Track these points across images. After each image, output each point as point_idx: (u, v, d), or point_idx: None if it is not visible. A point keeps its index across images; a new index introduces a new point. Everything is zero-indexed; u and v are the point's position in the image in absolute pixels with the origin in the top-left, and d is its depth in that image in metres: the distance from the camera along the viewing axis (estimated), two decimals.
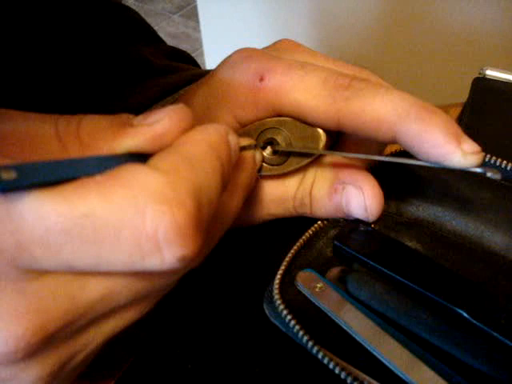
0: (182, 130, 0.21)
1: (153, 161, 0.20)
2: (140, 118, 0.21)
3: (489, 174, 0.23)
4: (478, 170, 0.24)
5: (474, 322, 0.24)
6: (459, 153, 0.24)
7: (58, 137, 0.20)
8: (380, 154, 0.31)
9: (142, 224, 0.18)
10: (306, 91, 0.26)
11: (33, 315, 0.18)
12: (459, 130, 0.24)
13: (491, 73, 0.40)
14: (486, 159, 0.32)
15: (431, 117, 0.24)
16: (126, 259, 0.18)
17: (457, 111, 0.40)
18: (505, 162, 0.31)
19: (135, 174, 0.18)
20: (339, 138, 0.31)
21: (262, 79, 0.27)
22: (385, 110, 0.25)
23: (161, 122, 0.21)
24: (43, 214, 0.17)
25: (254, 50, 0.29)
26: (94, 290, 0.19)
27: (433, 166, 0.25)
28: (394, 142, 0.26)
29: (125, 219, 0.17)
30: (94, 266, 0.18)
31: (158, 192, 0.18)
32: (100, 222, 0.17)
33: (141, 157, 0.20)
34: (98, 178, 0.18)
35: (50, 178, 0.17)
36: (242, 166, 0.26)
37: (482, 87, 0.40)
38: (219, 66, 0.30)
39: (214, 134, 0.22)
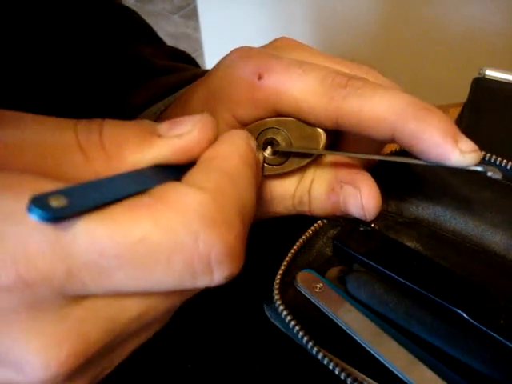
0: (209, 142, 0.21)
1: (194, 178, 0.20)
2: (165, 127, 0.21)
3: (489, 174, 0.23)
4: (479, 168, 0.24)
5: (474, 322, 0.24)
6: (457, 152, 0.24)
7: (80, 147, 0.20)
8: (379, 153, 0.31)
9: (196, 247, 0.18)
10: (304, 90, 0.26)
11: (74, 340, 0.18)
12: (456, 129, 0.25)
13: (491, 73, 0.40)
14: (486, 158, 0.32)
15: (429, 116, 0.24)
16: (176, 281, 0.18)
17: (457, 111, 0.40)
18: (505, 161, 0.31)
19: (183, 195, 0.18)
20: (338, 138, 0.31)
21: (260, 77, 0.27)
22: (382, 109, 0.25)
23: (190, 134, 0.21)
24: (96, 239, 0.17)
25: (252, 48, 0.29)
26: (132, 310, 0.19)
27: (432, 165, 0.25)
28: (392, 141, 0.26)
29: (178, 243, 0.18)
30: (144, 289, 0.18)
31: (209, 214, 0.18)
32: (154, 247, 0.17)
33: (168, 168, 0.20)
34: (146, 199, 0.18)
35: (98, 203, 0.17)
36: None
37: (482, 87, 0.40)
38: (218, 64, 0.30)
39: (242, 144, 0.22)
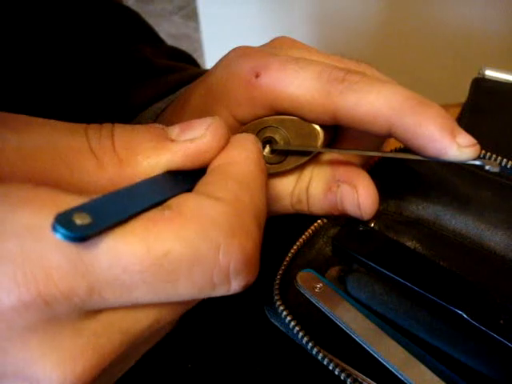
0: (222, 147, 0.21)
1: (210, 188, 0.20)
2: (177, 130, 0.21)
3: (487, 167, 0.23)
4: (477, 162, 0.24)
5: (473, 322, 0.24)
6: (455, 146, 0.24)
7: (92, 152, 0.20)
8: (378, 150, 0.31)
9: (216, 258, 0.18)
10: (301, 86, 0.26)
11: (90, 354, 0.18)
12: (454, 124, 0.24)
13: (490, 73, 0.40)
14: (486, 158, 0.31)
15: (425, 110, 0.24)
16: (196, 292, 0.18)
17: (456, 111, 0.40)
18: (505, 160, 0.31)
19: (202, 207, 0.18)
20: (337, 135, 0.31)
21: (257, 76, 0.27)
22: (379, 104, 0.25)
23: (203, 139, 0.21)
24: (119, 256, 0.17)
25: (249, 47, 0.29)
26: (144, 321, 0.19)
27: (431, 160, 0.25)
28: (390, 135, 0.26)
29: (200, 255, 0.18)
30: (162, 300, 0.18)
31: (228, 225, 0.18)
32: (176, 261, 0.17)
33: (180, 174, 0.20)
34: (167, 213, 0.18)
35: (120, 218, 0.17)
36: None
37: (481, 87, 0.40)
38: (216, 64, 0.30)
39: (254, 149, 0.22)
